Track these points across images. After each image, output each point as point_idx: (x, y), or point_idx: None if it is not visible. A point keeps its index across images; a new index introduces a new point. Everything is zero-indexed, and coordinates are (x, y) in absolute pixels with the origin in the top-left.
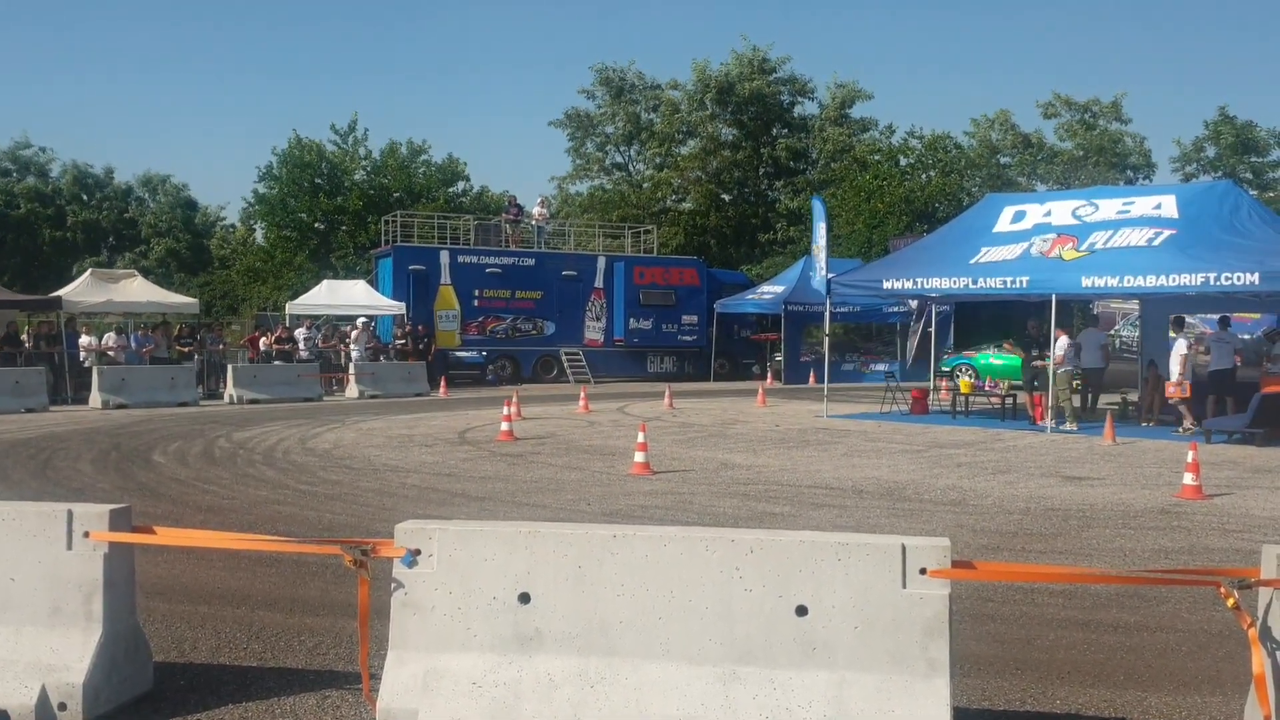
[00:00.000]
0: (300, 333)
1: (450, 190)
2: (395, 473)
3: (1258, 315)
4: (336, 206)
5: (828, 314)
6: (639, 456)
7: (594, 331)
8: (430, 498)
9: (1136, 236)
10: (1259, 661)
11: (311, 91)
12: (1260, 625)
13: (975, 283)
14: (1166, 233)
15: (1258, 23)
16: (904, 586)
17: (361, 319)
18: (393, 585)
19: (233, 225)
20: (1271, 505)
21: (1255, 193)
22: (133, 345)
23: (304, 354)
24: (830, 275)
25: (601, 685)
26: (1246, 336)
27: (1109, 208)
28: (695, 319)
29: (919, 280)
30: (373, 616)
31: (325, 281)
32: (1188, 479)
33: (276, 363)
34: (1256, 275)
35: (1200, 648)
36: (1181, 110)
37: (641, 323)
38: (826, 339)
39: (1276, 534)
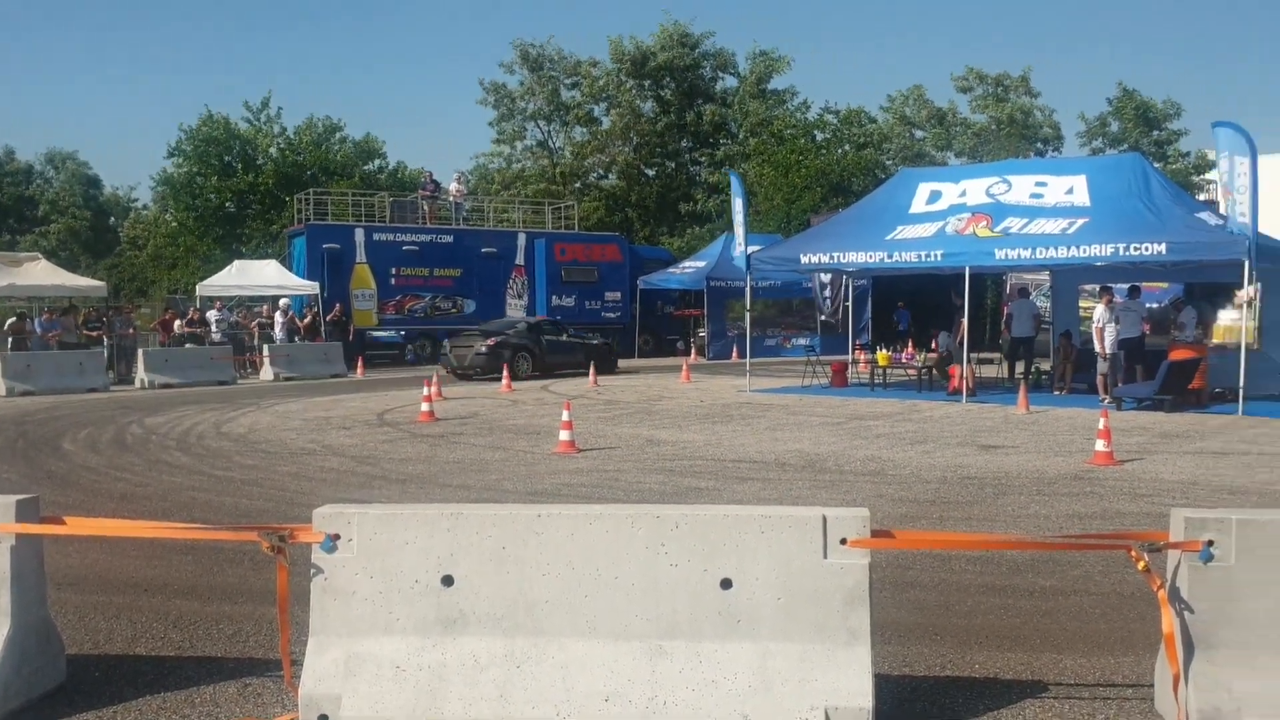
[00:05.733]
0: (212, 315)
1: (366, 168)
2: (313, 456)
3: (1165, 285)
4: (248, 185)
5: (749, 289)
6: (564, 435)
7: (515, 309)
8: (349, 481)
9: (1051, 226)
10: (1168, 622)
11: (226, 71)
12: (1169, 587)
13: (891, 256)
14: (1080, 221)
15: None
16: (825, 557)
17: (283, 300)
18: (312, 571)
19: (146, 206)
20: (1179, 469)
21: (1159, 165)
22: (38, 330)
23: (216, 336)
24: (750, 251)
25: (528, 665)
26: (1154, 305)
27: (1022, 187)
28: (618, 295)
29: (836, 255)
30: (293, 602)
31: (236, 261)
32: (1099, 445)
33: (188, 346)
34: (1164, 245)
35: (1113, 610)
36: (1086, 84)
37: (564, 300)
38: (748, 314)
39: (1185, 498)
